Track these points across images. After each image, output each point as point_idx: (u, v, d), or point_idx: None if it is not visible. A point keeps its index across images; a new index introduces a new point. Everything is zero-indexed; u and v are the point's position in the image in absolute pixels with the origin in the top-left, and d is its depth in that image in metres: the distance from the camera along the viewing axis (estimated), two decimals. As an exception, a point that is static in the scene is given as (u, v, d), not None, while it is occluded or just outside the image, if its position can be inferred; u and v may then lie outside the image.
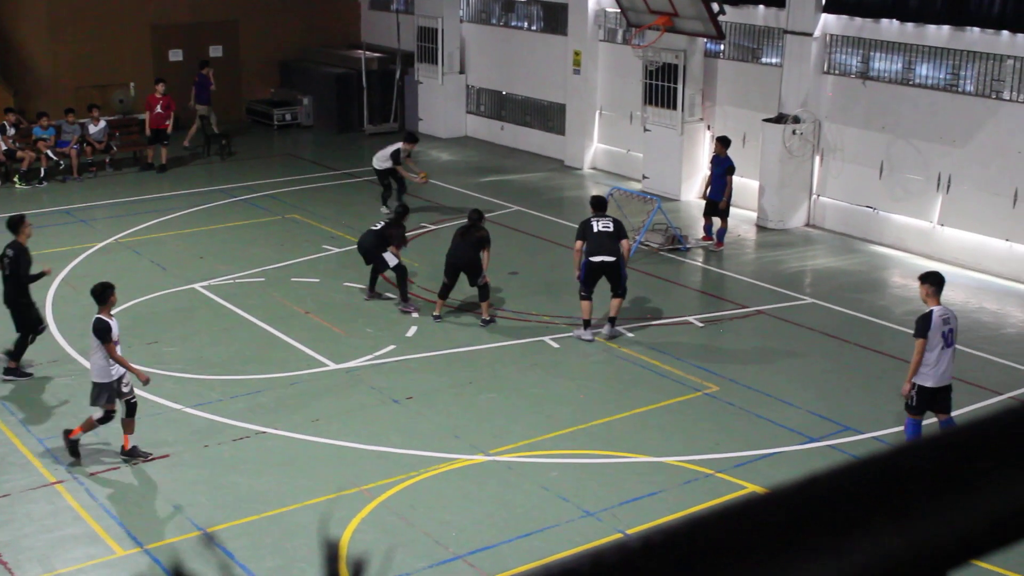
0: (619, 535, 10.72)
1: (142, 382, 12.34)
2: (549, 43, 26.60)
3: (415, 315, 16.59)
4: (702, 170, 22.55)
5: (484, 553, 10.67)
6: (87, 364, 14.73)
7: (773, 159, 21.06)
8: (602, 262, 15.47)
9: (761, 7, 21.94)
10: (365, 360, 15.03)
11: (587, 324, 15.75)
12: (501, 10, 28.16)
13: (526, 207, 22.38)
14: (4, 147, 23.93)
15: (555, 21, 26.55)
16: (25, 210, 22.03)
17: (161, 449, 12.58)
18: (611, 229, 15.57)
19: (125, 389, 12.23)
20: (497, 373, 14.78)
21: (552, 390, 14.24)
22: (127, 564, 10.42)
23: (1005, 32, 18.18)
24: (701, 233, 20.34)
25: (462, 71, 28.93)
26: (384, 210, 21.07)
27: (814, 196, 21.38)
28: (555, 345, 15.60)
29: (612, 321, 15.84)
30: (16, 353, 14.45)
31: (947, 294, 17.79)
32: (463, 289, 17.59)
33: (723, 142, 20.11)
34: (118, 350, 12.10)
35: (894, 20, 19.73)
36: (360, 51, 29.78)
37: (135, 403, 12.33)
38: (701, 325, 16.42)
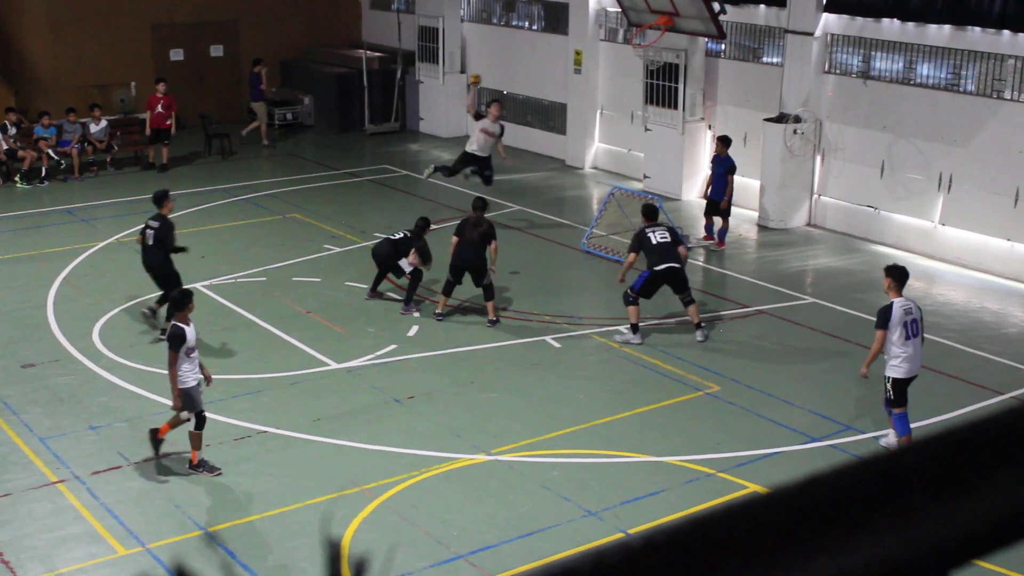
0: (621, 535, 10.73)
1: (174, 408, 12.07)
2: (550, 43, 26.60)
3: (416, 315, 16.59)
4: (703, 170, 22.55)
5: (485, 553, 10.67)
6: (89, 363, 14.79)
7: (774, 159, 21.05)
8: (669, 268, 15.51)
9: (762, 7, 21.93)
10: (366, 360, 15.04)
11: (635, 328, 15.65)
12: (502, 10, 28.16)
13: (527, 207, 22.38)
14: (5, 146, 23.94)
15: (556, 21, 26.54)
16: (26, 210, 22.16)
17: (163, 448, 12.58)
18: (669, 239, 15.68)
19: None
20: (498, 373, 14.78)
21: (553, 390, 14.24)
22: (129, 563, 10.42)
23: (1006, 32, 18.17)
24: (702, 233, 20.33)
25: (463, 70, 28.92)
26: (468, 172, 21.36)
27: (815, 196, 21.38)
28: (556, 345, 15.60)
29: (699, 326, 15.72)
30: (164, 304, 15.30)
31: (949, 294, 17.84)
32: (465, 288, 17.59)
33: (724, 141, 20.11)
34: (192, 358, 11.83)
35: (895, 19, 19.72)
36: (361, 51, 29.77)
37: (204, 416, 12.06)
38: (702, 325, 16.40)
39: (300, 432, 12.97)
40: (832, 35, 20.79)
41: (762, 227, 21.26)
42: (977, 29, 18.54)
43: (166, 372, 14.48)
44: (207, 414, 12.20)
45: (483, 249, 16.17)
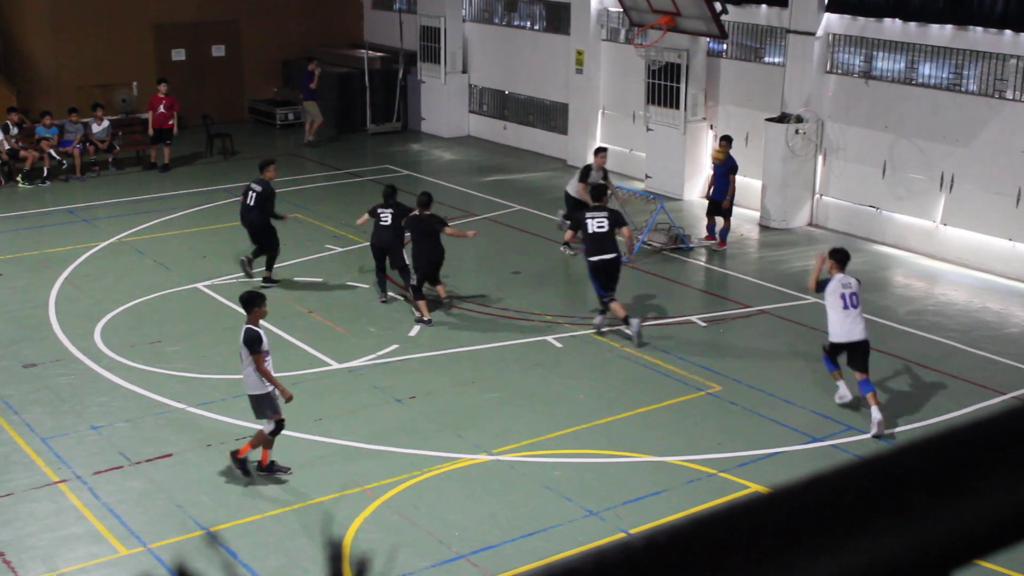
0: (622, 535, 10.72)
1: (285, 399, 11.81)
2: (552, 42, 26.60)
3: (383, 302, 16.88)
4: (705, 169, 22.54)
5: (487, 552, 10.67)
6: (90, 363, 14.80)
7: (776, 158, 21.05)
8: (601, 261, 15.58)
9: (764, 6, 21.93)
10: (368, 359, 15.04)
11: (627, 320, 15.60)
12: (504, 9, 28.16)
13: (528, 206, 22.38)
14: (7, 146, 23.95)
15: (558, 20, 26.54)
16: (28, 210, 22.18)
17: (164, 448, 12.60)
18: (606, 228, 15.57)
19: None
20: (500, 372, 14.78)
21: (555, 389, 14.24)
22: (130, 563, 10.43)
23: (1008, 31, 18.16)
24: (704, 232, 20.33)
25: (465, 70, 28.93)
26: (562, 249, 19.14)
27: (817, 195, 21.37)
28: (558, 344, 15.60)
29: (628, 321, 15.70)
30: (270, 265, 17.67)
31: (950, 294, 17.84)
32: (465, 286, 17.66)
33: (726, 141, 20.11)
34: (268, 362, 11.71)
35: (897, 19, 19.71)
36: (363, 50, 29.78)
37: (283, 420, 11.89)
38: (704, 325, 16.41)
39: (302, 432, 12.97)
40: (834, 35, 20.78)
41: (764, 227, 21.25)
42: (979, 29, 18.54)
43: (166, 372, 14.53)
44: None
45: (434, 243, 16.33)
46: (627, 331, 15.61)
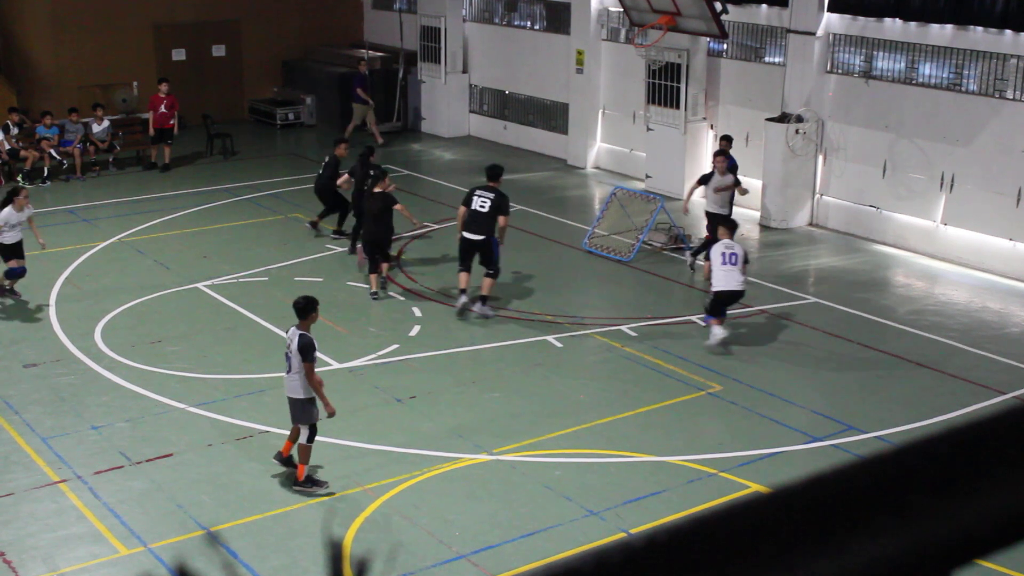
0: (623, 534, 10.73)
1: (328, 414, 11.71)
2: (552, 42, 26.60)
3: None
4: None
5: (487, 552, 10.67)
6: (90, 363, 14.80)
7: (776, 158, 21.05)
8: (466, 239, 16.20)
9: (764, 6, 21.93)
10: (368, 359, 15.04)
11: (462, 292, 16.31)
12: (504, 9, 28.16)
13: (529, 206, 22.38)
14: (8, 146, 23.95)
15: (558, 20, 26.54)
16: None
17: (165, 448, 12.60)
18: (487, 209, 16.09)
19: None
20: (500, 372, 14.78)
21: (555, 389, 14.24)
22: (131, 563, 10.43)
23: (1008, 31, 18.16)
24: (705, 232, 20.31)
25: (465, 70, 28.93)
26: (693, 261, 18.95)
27: (817, 195, 21.38)
28: (558, 344, 15.60)
29: (483, 300, 16.31)
30: (341, 220, 19.75)
31: (951, 293, 17.85)
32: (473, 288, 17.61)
33: (726, 140, 20.11)
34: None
35: (897, 19, 19.72)
36: (363, 50, 29.78)
37: (315, 426, 11.74)
38: (704, 325, 16.41)
39: (302, 432, 12.96)
40: (834, 35, 20.78)
41: (764, 227, 21.25)
42: (979, 29, 18.54)
43: (166, 372, 14.53)
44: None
45: (383, 222, 16.95)
46: (473, 309, 16.32)
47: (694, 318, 16.62)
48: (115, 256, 19.32)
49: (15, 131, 24.34)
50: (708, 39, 22.62)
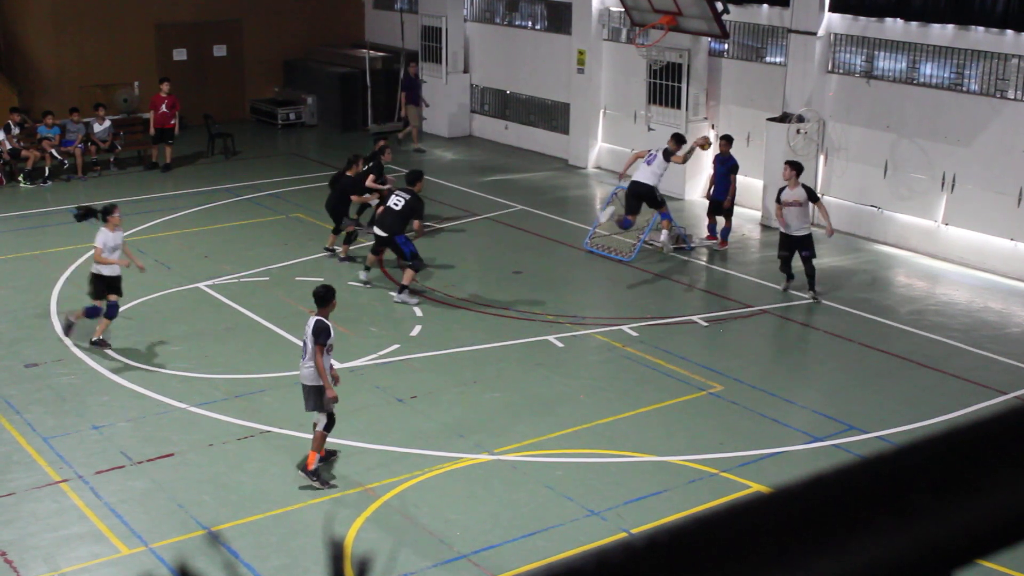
0: (624, 534, 10.72)
1: (329, 397, 11.68)
2: (553, 42, 26.60)
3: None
4: (706, 169, 22.51)
5: (489, 552, 10.67)
6: (92, 363, 14.80)
7: (777, 158, 21.02)
8: (378, 235, 17.15)
9: (765, 6, 21.93)
10: (369, 359, 15.04)
11: (366, 269, 17.56)
12: (505, 9, 28.16)
13: (530, 206, 22.38)
14: (9, 146, 23.96)
15: (559, 20, 26.54)
16: (29, 210, 22.17)
17: (166, 448, 12.60)
18: (399, 208, 17.02)
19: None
20: (501, 372, 14.78)
21: (556, 389, 14.24)
22: (132, 563, 10.43)
23: (1009, 31, 18.16)
24: (705, 232, 20.34)
25: (466, 70, 28.93)
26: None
27: (819, 195, 21.35)
28: (559, 344, 15.60)
29: (401, 289, 16.86)
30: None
31: (952, 293, 17.85)
32: (463, 287, 17.65)
33: (726, 140, 20.12)
34: (328, 358, 11.68)
35: (898, 19, 19.71)
36: (364, 50, 29.79)
37: (335, 419, 11.84)
38: (706, 324, 16.42)
39: (303, 432, 12.96)
40: (835, 35, 20.77)
41: (765, 227, 21.24)
42: (980, 29, 18.53)
43: (167, 371, 14.53)
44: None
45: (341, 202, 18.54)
46: (395, 295, 16.93)
47: (695, 318, 16.62)
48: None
49: (16, 131, 24.34)
50: (709, 39, 22.61)
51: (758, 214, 21.52)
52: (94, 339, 15.17)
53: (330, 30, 31.66)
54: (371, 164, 19.55)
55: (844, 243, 20.41)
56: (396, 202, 17.10)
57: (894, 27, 19.84)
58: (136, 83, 28.56)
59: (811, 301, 17.14)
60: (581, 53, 25.39)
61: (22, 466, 12.24)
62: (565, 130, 26.36)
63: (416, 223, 17.10)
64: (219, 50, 30.37)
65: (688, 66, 22.57)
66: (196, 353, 15.21)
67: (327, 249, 19.25)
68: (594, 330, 16.07)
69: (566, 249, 19.90)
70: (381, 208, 17.57)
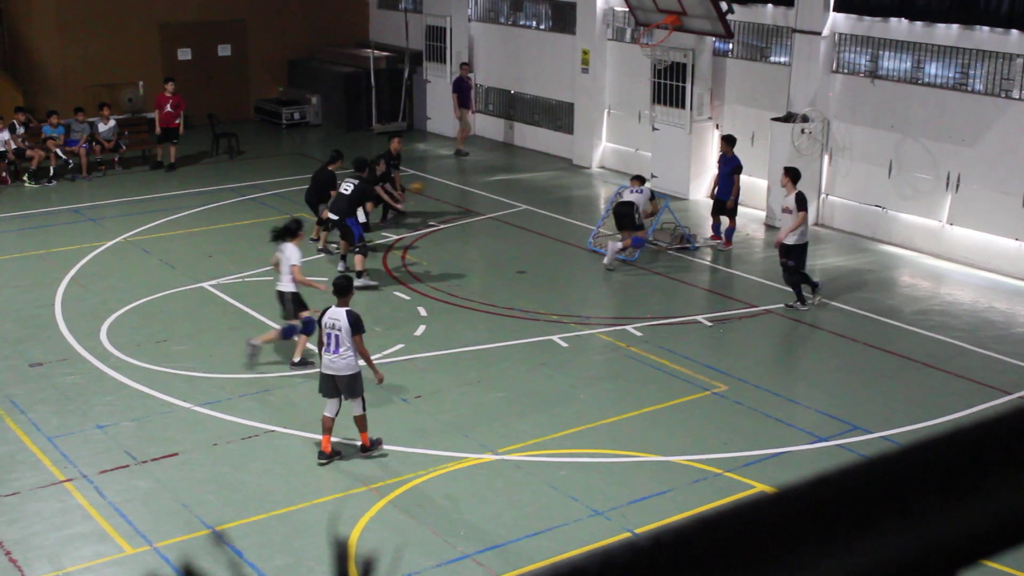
0: (628, 534, 10.73)
1: (378, 381, 12.44)
2: (557, 42, 26.59)
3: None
4: (711, 169, 22.51)
5: (493, 552, 10.67)
6: (96, 362, 14.82)
7: (782, 158, 21.01)
8: (331, 219, 18.01)
9: (770, 6, 21.92)
10: (373, 359, 15.00)
11: (360, 275, 17.48)
12: (509, 9, 28.16)
13: (534, 206, 22.38)
14: (14, 146, 23.99)
15: (563, 20, 26.54)
16: (34, 209, 22.20)
17: (170, 448, 12.61)
18: (348, 192, 17.79)
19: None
20: (505, 372, 14.78)
21: (560, 389, 14.24)
22: (136, 562, 10.44)
23: (1014, 31, 18.13)
24: (709, 232, 20.33)
25: (470, 70, 28.93)
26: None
27: (823, 195, 21.35)
28: (563, 344, 15.60)
29: (358, 275, 17.10)
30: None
31: (957, 293, 17.83)
32: (461, 288, 17.65)
33: (729, 141, 20.11)
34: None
35: (903, 19, 19.70)
36: (368, 50, 29.80)
37: (364, 398, 12.32)
38: (710, 324, 16.41)
39: (307, 431, 12.98)
40: (840, 34, 20.76)
41: (769, 226, 21.22)
42: (985, 28, 18.51)
43: (172, 371, 14.54)
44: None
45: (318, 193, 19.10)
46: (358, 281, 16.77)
47: (699, 318, 16.62)
48: (121, 255, 19.34)
49: (21, 130, 24.37)
50: (714, 39, 22.60)
51: (762, 214, 21.51)
52: (296, 360, 14.60)
53: (334, 30, 31.67)
54: (391, 163, 20.62)
55: (849, 243, 20.40)
56: (346, 187, 17.88)
57: (898, 27, 19.83)
58: (140, 83, 28.58)
59: (808, 309, 16.87)
60: (585, 53, 25.38)
61: (27, 465, 12.26)
62: (569, 130, 26.36)
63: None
64: (223, 50, 30.39)
65: (692, 66, 22.56)
66: (201, 352, 15.22)
67: (320, 247, 19.32)
68: (598, 330, 16.07)
69: (570, 249, 19.90)
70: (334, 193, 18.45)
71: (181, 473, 12.11)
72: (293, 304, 14.59)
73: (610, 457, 12.52)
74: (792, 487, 1.15)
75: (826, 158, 21.20)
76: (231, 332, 15.97)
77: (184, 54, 29.73)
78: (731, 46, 22.83)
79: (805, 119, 20.83)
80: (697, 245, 19.85)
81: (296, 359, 14.61)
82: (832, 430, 13.14)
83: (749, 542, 1.10)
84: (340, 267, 18.09)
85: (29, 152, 24.02)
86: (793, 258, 16.72)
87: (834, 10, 20.64)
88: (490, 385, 14.35)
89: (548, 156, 26.74)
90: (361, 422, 12.26)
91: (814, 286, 17.05)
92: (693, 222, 21.03)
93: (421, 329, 16.10)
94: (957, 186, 19.16)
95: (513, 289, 17.65)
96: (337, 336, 11.99)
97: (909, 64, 19.86)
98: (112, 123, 25.43)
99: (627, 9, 23.64)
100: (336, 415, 12.20)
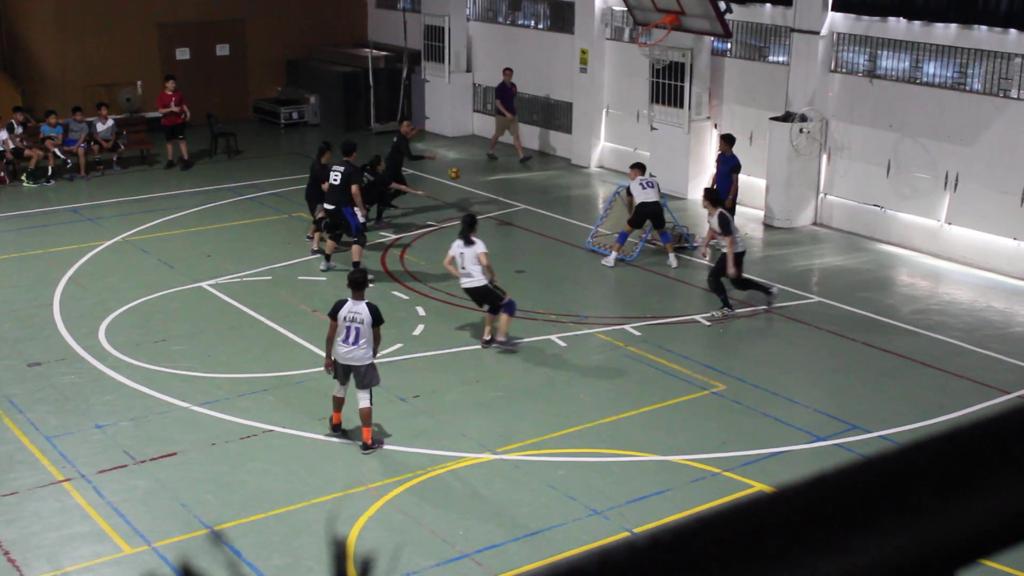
0: (626, 534, 10.73)
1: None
2: (556, 42, 26.59)
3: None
4: (709, 168, 22.51)
5: (491, 552, 10.67)
6: (95, 362, 14.81)
7: (780, 157, 21.03)
8: (326, 209, 18.13)
9: (768, 5, 21.92)
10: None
11: (326, 257, 18.11)
12: (508, 8, 28.16)
13: (533, 205, 22.38)
14: (12, 145, 23.97)
15: (562, 19, 26.54)
16: (32, 209, 22.19)
17: (169, 447, 12.61)
18: (338, 181, 17.84)
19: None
20: (504, 371, 14.78)
21: (559, 388, 14.24)
22: (135, 562, 10.44)
23: (1012, 30, 18.14)
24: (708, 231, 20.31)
25: (469, 69, 28.93)
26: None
27: (821, 195, 21.36)
28: (562, 343, 15.60)
29: (353, 265, 17.34)
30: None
31: (955, 293, 17.83)
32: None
33: (728, 140, 20.11)
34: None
35: (901, 18, 19.70)
36: (367, 50, 29.80)
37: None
38: (708, 324, 16.41)
39: (305, 431, 12.98)
40: (838, 34, 20.77)
41: (768, 226, 21.24)
42: (984, 28, 18.52)
43: (170, 371, 14.55)
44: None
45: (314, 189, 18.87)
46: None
47: (698, 317, 16.62)
48: (119, 255, 19.33)
49: (20, 130, 24.36)
50: (712, 38, 22.60)
51: (761, 213, 21.51)
52: (502, 339, 15.24)
53: (333, 29, 31.67)
54: (403, 145, 21.17)
55: (847, 242, 20.41)
56: (335, 177, 17.89)
57: (897, 26, 19.83)
58: (139, 82, 28.58)
59: (717, 319, 16.45)
60: (584, 52, 25.38)
61: (25, 465, 12.25)
62: (568, 129, 26.36)
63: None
64: (222, 49, 30.39)
65: (691, 65, 22.56)
66: (199, 352, 15.22)
67: (314, 248, 19.24)
68: (596, 329, 16.07)
69: (569, 248, 19.90)
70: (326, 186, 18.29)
71: (180, 473, 12.11)
72: (493, 290, 15.11)
73: (608, 456, 12.52)
74: (790, 486, 1.15)
75: (824, 157, 21.20)
76: (229, 332, 15.97)
77: (183, 54, 29.72)
78: (729, 45, 22.84)
79: (804, 119, 20.84)
80: (696, 244, 19.84)
81: (502, 338, 15.24)
82: (830, 429, 13.14)
83: (748, 542, 1.10)
84: (323, 267, 18.30)
85: (27, 152, 24.00)
86: (720, 266, 16.37)
87: (832, 9, 20.64)
88: (488, 384, 14.35)
89: (546, 156, 26.74)
90: (367, 416, 12.44)
91: (725, 302, 16.54)
92: (692, 221, 21.03)
93: (420, 328, 16.10)
94: (955, 185, 19.17)
95: (512, 288, 17.61)
96: (358, 329, 12.38)
97: (907, 63, 19.86)
98: (110, 123, 25.43)
99: (626, 8, 23.63)
100: (344, 395, 12.66)
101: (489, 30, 28.53)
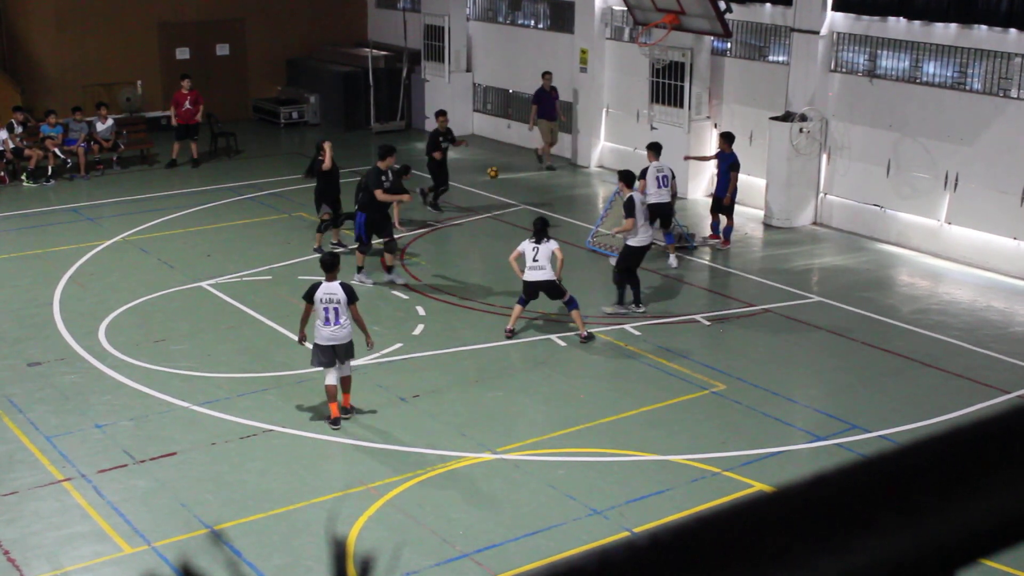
0: (626, 533, 10.73)
1: (369, 346, 13.69)
2: (556, 41, 26.59)
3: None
4: (709, 168, 22.52)
5: (491, 551, 10.67)
6: (94, 362, 14.81)
7: (780, 157, 21.03)
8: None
9: (768, 5, 21.92)
10: (372, 358, 15.03)
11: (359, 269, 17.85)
12: (508, 8, 28.16)
13: (533, 205, 22.36)
14: (12, 145, 23.97)
15: (562, 19, 26.53)
16: (32, 209, 22.19)
17: (169, 447, 12.61)
18: (364, 186, 17.97)
19: None
20: (504, 371, 14.78)
21: (559, 388, 14.24)
22: (135, 562, 10.44)
23: (1013, 30, 18.14)
24: (708, 231, 20.33)
25: (469, 69, 28.93)
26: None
27: (821, 194, 21.36)
28: (562, 343, 15.60)
29: (358, 270, 17.68)
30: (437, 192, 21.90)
31: (955, 293, 17.83)
32: (465, 289, 17.66)
33: (727, 138, 20.10)
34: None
35: (901, 18, 19.70)
36: (367, 49, 29.80)
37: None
38: (708, 323, 16.41)
39: (305, 430, 12.99)
40: (838, 33, 20.77)
41: (768, 226, 21.24)
42: (983, 27, 18.52)
43: (170, 370, 14.55)
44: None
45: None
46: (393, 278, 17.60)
47: (698, 317, 16.62)
48: (119, 255, 19.33)
49: (19, 130, 24.36)
50: (712, 38, 22.60)
51: (760, 213, 21.51)
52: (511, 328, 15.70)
53: (333, 29, 31.66)
54: (439, 139, 21.60)
55: (847, 242, 20.41)
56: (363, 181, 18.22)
57: (897, 26, 19.83)
58: (139, 82, 28.58)
59: (625, 311, 16.64)
60: (584, 52, 25.38)
61: (25, 465, 12.25)
62: (568, 129, 26.35)
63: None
64: (222, 49, 30.38)
65: (691, 65, 22.56)
66: (199, 352, 15.22)
67: (315, 247, 19.12)
68: (596, 329, 16.07)
69: (568, 248, 19.87)
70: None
71: (179, 472, 12.11)
72: (558, 284, 15.54)
73: (608, 456, 12.52)
74: (790, 486, 1.15)
75: (824, 157, 21.20)
76: (229, 331, 15.97)
77: (182, 53, 29.71)
78: (729, 45, 22.84)
79: (803, 118, 20.84)
80: (695, 244, 19.85)
81: (585, 332, 15.57)
82: (830, 429, 13.14)
83: (748, 541, 1.10)
84: (367, 281, 17.78)
85: (27, 151, 24.00)
86: (624, 257, 16.64)
87: (832, 9, 20.64)
88: (489, 384, 14.35)
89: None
90: (348, 382, 13.15)
91: (621, 299, 16.68)
92: (691, 221, 21.03)
93: (420, 328, 16.10)
94: (955, 185, 19.16)
95: (512, 288, 17.62)
96: (336, 308, 12.79)
97: (907, 63, 19.86)
98: (110, 122, 25.43)
99: (625, 8, 23.63)
100: (338, 381, 12.98)
101: (489, 30, 28.53)
